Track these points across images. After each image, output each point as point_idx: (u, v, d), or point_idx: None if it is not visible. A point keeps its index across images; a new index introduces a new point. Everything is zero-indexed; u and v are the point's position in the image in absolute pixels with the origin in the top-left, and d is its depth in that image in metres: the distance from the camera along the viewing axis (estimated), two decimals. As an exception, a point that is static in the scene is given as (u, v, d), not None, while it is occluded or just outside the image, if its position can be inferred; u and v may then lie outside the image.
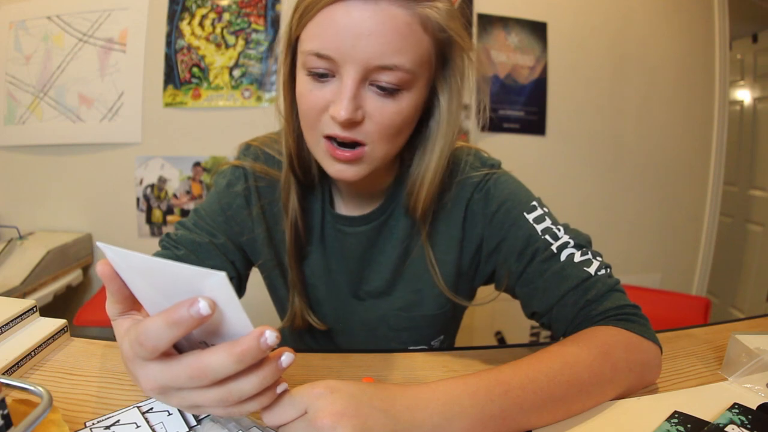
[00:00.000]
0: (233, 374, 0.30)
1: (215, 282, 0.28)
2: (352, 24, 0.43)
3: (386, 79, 0.46)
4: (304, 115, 0.51)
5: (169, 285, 0.30)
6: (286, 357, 0.32)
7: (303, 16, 0.47)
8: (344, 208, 0.63)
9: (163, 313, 0.29)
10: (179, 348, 0.34)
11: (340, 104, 0.46)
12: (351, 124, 0.47)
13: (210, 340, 0.33)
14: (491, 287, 0.64)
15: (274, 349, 0.31)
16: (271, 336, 0.29)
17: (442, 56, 0.50)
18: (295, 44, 0.50)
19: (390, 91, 0.47)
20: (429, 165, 0.55)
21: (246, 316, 0.30)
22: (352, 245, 0.63)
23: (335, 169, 0.51)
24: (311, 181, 0.61)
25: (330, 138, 0.49)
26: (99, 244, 0.31)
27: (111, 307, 0.35)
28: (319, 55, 0.46)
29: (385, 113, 0.48)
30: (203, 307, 0.28)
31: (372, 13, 0.43)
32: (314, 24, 0.46)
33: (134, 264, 0.30)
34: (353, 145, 0.49)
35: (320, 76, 0.47)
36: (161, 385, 0.31)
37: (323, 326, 0.67)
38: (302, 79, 0.49)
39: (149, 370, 0.31)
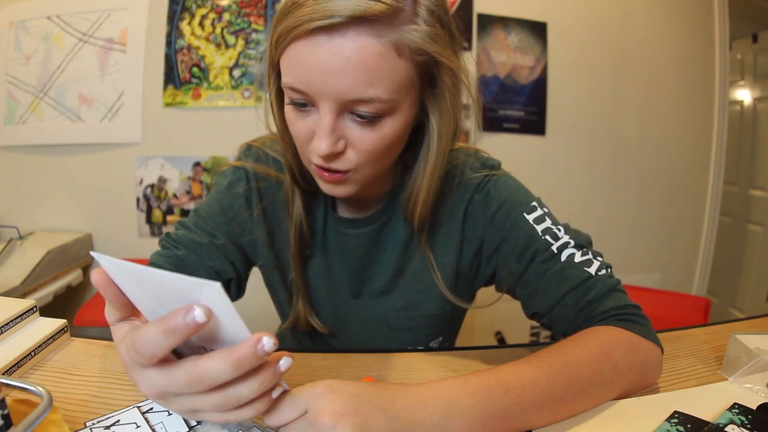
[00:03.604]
0: (231, 380, 0.30)
1: (210, 292, 0.28)
2: (319, 61, 0.42)
3: (364, 109, 0.45)
4: (295, 141, 0.51)
5: (165, 294, 0.30)
6: (285, 362, 0.32)
7: (278, 45, 0.46)
8: (346, 210, 0.63)
9: (160, 321, 0.29)
10: (178, 352, 0.34)
11: (320, 140, 0.46)
12: (333, 155, 0.47)
13: (209, 345, 0.33)
14: (491, 289, 0.64)
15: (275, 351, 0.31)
16: (268, 342, 0.29)
17: (427, 75, 0.49)
18: (278, 66, 0.49)
19: (370, 119, 0.46)
20: (423, 180, 0.55)
21: (242, 323, 0.29)
22: (354, 247, 0.63)
23: (326, 187, 0.52)
24: (314, 188, 0.61)
25: None
26: (93, 253, 0.31)
27: (110, 313, 0.35)
28: (295, 90, 0.45)
29: (366, 141, 0.47)
30: (199, 315, 0.28)
31: (339, 48, 0.41)
32: (286, 56, 0.45)
33: (129, 273, 0.30)
34: None
35: (301, 106, 0.47)
36: (160, 390, 0.31)
37: (326, 330, 0.67)
38: (287, 107, 0.49)
39: (147, 376, 0.31)
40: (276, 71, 0.50)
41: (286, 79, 0.46)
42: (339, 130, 0.46)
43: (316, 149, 0.46)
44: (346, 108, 0.45)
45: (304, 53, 0.43)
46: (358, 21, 0.41)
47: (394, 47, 0.43)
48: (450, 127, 0.52)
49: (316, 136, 0.47)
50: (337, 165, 0.48)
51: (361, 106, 0.44)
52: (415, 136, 0.55)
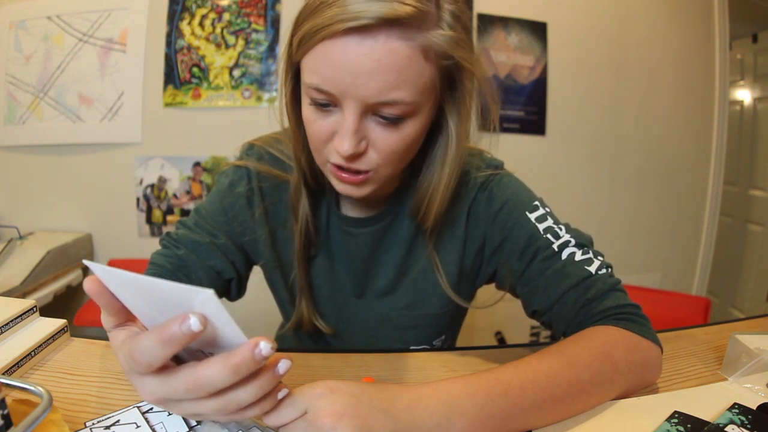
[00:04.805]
0: (230, 385, 0.30)
1: (203, 299, 0.28)
2: (349, 62, 0.42)
3: (388, 111, 0.45)
4: (310, 141, 0.51)
5: (160, 301, 0.30)
6: (283, 364, 0.32)
7: (302, 44, 0.46)
8: (351, 209, 0.63)
9: (155, 331, 0.29)
10: (177, 356, 0.34)
11: (343, 139, 0.46)
12: (355, 156, 0.48)
13: (207, 349, 0.33)
14: (493, 288, 0.64)
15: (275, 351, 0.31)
16: (265, 347, 0.29)
17: (448, 80, 0.49)
18: (297, 67, 0.49)
19: (393, 121, 0.46)
20: (440, 182, 0.54)
21: (238, 328, 0.29)
22: (358, 246, 0.63)
23: (342, 188, 0.52)
24: (322, 187, 0.61)
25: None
26: (87, 262, 0.30)
27: (106, 320, 0.35)
28: (319, 90, 0.45)
29: (388, 142, 0.47)
30: (194, 323, 0.28)
31: (370, 50, 0.42)
32: (313, 56, 0.45)
33: (123, 282, 0.30)
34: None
35: (323, 106, 0.47)
36: (159, 397, 0.31)
37: (330, 330, 0.67)
38: (306, 107, 0.49)
39: (146, 383, 0.31)
40: (293, 71, 0.50)
41: (311, 80, 0.46)
42: (362, 130, 0.47)
43: (338, 149, 0.46)
44: (370, 109, 0.46)
45: (334, 53, 0.43)
46: (388, 24, 0.41)
47: (421, 51, 0.44)
48: (467, 130, 0.53)
49: (338, 135, 0.47)
50: (358, 165, 0.48)
51: (386, 108, 0.45)
52: (426, 138, 0.55)
